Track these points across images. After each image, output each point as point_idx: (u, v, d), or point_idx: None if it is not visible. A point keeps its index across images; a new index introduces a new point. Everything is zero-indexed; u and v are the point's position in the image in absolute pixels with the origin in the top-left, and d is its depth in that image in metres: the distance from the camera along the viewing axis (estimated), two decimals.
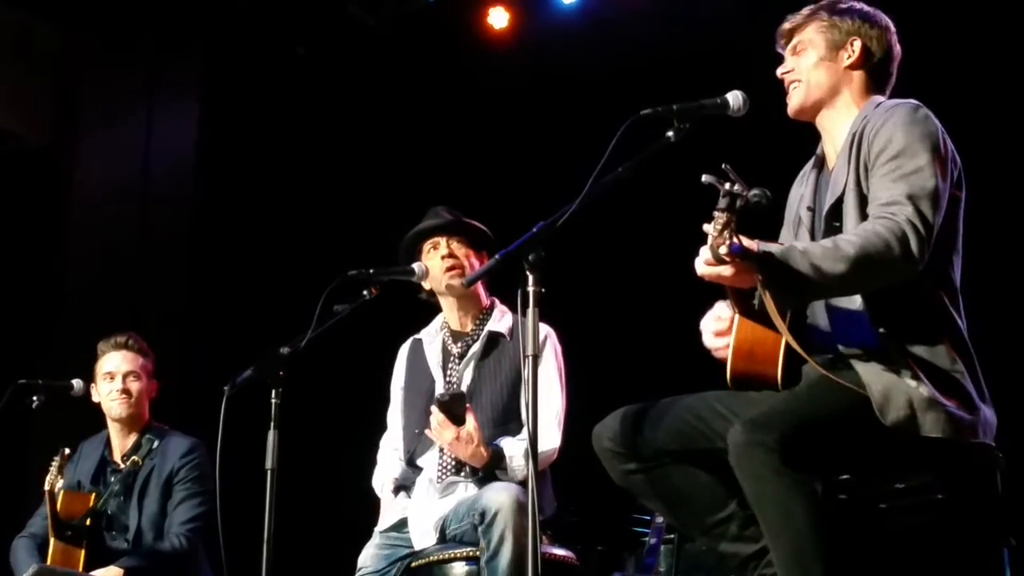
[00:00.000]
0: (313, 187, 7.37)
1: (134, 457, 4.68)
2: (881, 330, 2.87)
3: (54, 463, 4.59)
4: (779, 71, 3.20)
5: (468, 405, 3.94)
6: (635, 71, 6.27)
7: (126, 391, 4.75)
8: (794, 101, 3.17)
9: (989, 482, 2.98)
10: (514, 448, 3.93)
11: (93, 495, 4.64)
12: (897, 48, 3.20)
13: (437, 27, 7.11)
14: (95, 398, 4.85)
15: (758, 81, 3.21)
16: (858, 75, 3.14)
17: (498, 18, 7.03)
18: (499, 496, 3.68)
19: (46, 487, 4.55)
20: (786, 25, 3.22)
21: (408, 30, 7.16)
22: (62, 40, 7.23)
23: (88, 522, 4.57)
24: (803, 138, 3.29)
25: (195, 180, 7.42)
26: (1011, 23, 5.44)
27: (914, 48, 3.28)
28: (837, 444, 2.86)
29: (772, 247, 2.77)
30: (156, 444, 4.72)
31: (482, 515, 3.68)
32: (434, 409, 3.92)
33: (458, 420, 3.89)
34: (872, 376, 2.83)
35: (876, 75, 3.16)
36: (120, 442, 4.81)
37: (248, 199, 7.30)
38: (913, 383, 2.81)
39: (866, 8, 3.20)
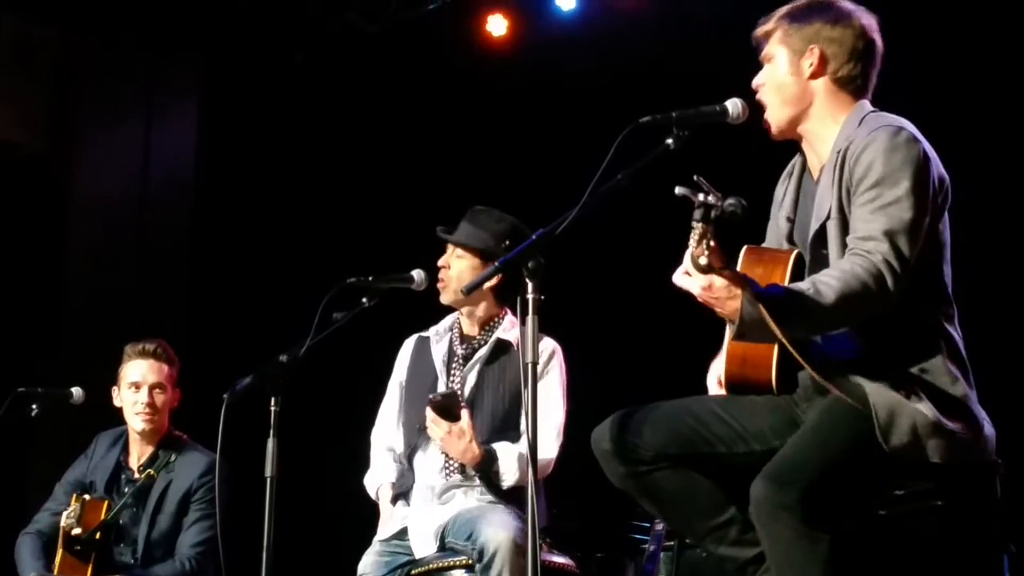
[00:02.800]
0: (312, 194, 7.38)
1: (149, 470, 4.60)
2: (879, 346, 2.86)
3: (74, 508, 4.48)
4: (753, 83, 3.12)
5: (462, 404, 3.96)
6: (634, 78, 6.28)
7: (151, 404, 4.66)
8: (772, 127, 3.09)
9: (989, 488, 2.97)
10: (506, 453, 3.95)
11: (106, 504, 4.55)
12: (869, 45, 3.03)
13: (436, 34, 7.12)
14: (116, 403, 4.77)
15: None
16: (823, 84, 3.02)
17: (497, 25, 7.03)
18: (497, 535, 3.69)
19: (62, 524, 4.46)
20: (757, 32, 3.13)
21: (406, 37, 7.16)
22: (61, 47, 7.23)
23: (98, 535, 4.49)
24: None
25: (194, 187, 7.43)
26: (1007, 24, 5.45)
27: (907, 52, 3.23)
28: (853, 483, 2.85)
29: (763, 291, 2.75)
30: (174, 458, 4.64)
31: (480, 553, 3.70)
32: (428, 409, 3.95)
33: (452, 419, 3.92)
34: (877, 396, 2.81)
35: (846, 81, 3.02)
36: (138, 450, 4.74)
37: (247, 206, 7.31)
38: (917, 405, 2.79)
39: (836, 7, 3.05)
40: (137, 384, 4.69)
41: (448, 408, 3.94)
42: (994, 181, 5.26)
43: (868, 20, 3.06)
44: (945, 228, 2.98)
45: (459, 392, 4.07)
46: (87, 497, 4.54)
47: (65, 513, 4.50)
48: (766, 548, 2.81)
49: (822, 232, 2.95)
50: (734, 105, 3.01)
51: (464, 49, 7.09)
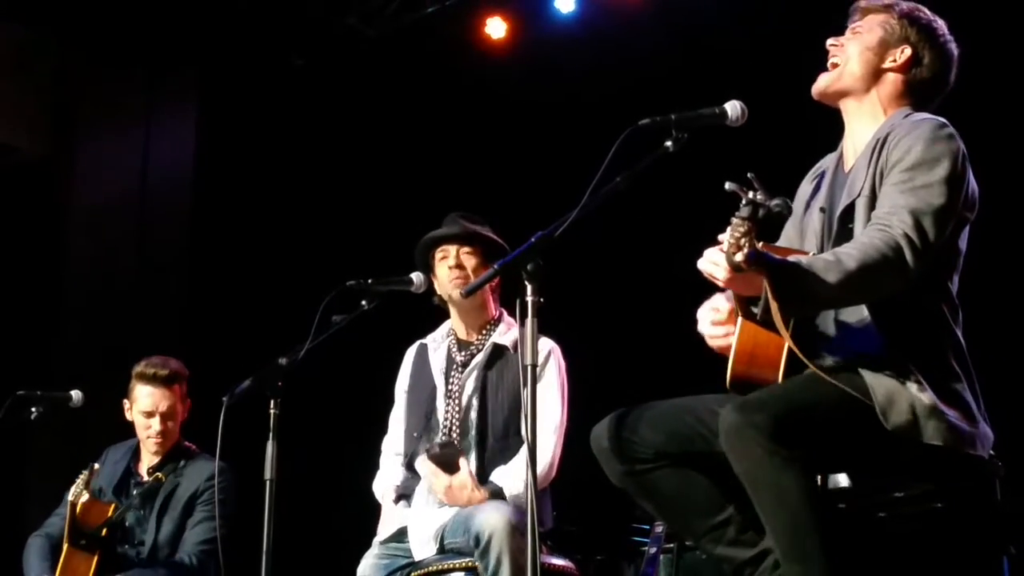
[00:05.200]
0: (311, 198, 7.37)
1: (158, 474, 4.67)
2: (885, 338, 2.87)
3: (82, 476, 4.57)
4: (829, 40, 3.17)
5: (461, 451, 3.96)
6: (633, 80, 6.28)
7: (163, 432, 4.73)
8: (823, 81, 3.15)
9: (988, 491, 2.98)
10: (510, 481, 3.93)
11: (112, 505, 4.61)
12: (949, 78, 3.14)
13: (435, 38, 7.12)
14: (128, 417, 4.82)
15: (757, 91, 3.21)
16: (894, 80, 3.10)
17: (496, 28, 7.03)
18: (491, 518, 3.68)
19: (70, 497, 4.53)
20: (863, 3, 3.20)
21: (406, 41, 7.16)
22: (61, 54, 7.24)
23: (104, 532, 4.54)
24: (800, 146, 3.29)
25: (192, 192, 7.43)
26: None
27: None
28: (831, 434, 2.84)
29: (777, 259, 2.76)
30: (183, 463, 4.71)
31: (477, 539, 3.69)
32: (426, 459, 3.95)
33: (451, 470, 3.92)
34: (875, 380, 2.82)
35: (914, 90, 3.11)
36: (148, 458, 4.80)
37: (246, 211, 7.31)
38: (916, 389, 2.81)
39: (940, 30, 3.14)
40: (148, 412, 4.74)
41: (447, 460, 3.93)
42: (994, 182, 5.26)
43: (954, 56, 3.16)
44: (964, 239, 3.01)
45: (451, 439, 4.05)
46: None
47: (73, 486, 4.54)
48: (737, 469, 2.78)
49: (850, 209, 2.98)
50: (733, 107, 3.02)
51: (463, 52, 7.09)
